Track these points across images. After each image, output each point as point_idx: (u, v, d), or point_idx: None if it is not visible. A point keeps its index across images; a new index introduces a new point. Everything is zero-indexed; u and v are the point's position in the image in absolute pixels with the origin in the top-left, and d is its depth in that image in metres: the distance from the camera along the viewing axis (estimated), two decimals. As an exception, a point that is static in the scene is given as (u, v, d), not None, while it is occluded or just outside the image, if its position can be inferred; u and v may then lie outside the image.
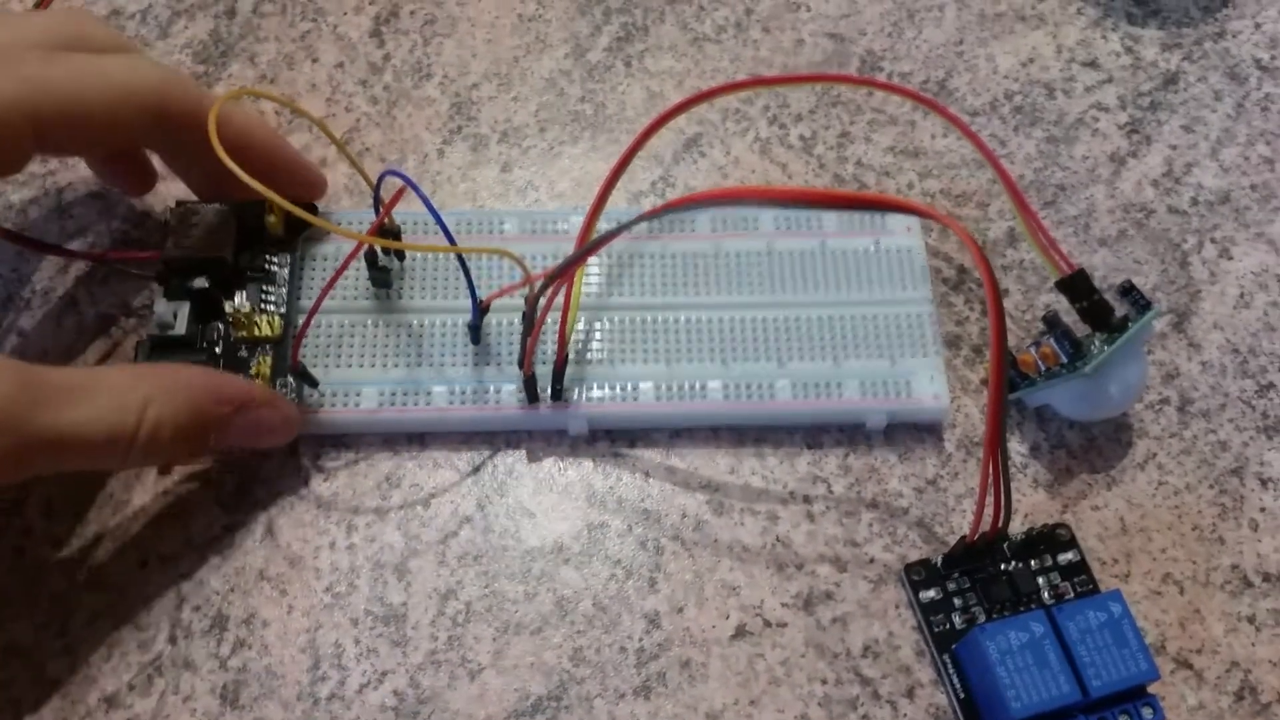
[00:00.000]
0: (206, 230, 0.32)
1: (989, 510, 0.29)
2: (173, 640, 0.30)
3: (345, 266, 0.29)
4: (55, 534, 0.31)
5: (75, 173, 0.37)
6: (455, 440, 0.33)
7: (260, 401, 0.30)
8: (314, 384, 0.31)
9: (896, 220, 0.35)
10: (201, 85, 0.33)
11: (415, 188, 0.28)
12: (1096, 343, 0.32)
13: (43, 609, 0.30)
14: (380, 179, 0.30)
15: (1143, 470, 0.33)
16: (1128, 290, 0.32)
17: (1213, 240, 0.37)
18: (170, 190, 0.36)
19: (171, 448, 0.28)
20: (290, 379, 0.31)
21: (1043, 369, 0.32)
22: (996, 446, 0.27)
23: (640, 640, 0.30)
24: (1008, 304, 0.35)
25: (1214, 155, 0.39)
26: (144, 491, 0.32)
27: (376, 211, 0.31)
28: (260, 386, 0.30)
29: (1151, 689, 0.29)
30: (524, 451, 0.33)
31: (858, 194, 0.25)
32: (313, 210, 0.33)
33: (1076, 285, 0.32)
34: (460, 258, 0.30)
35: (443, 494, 0.32)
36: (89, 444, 0.26)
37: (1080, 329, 0.33)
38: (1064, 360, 0.32)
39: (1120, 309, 0.32)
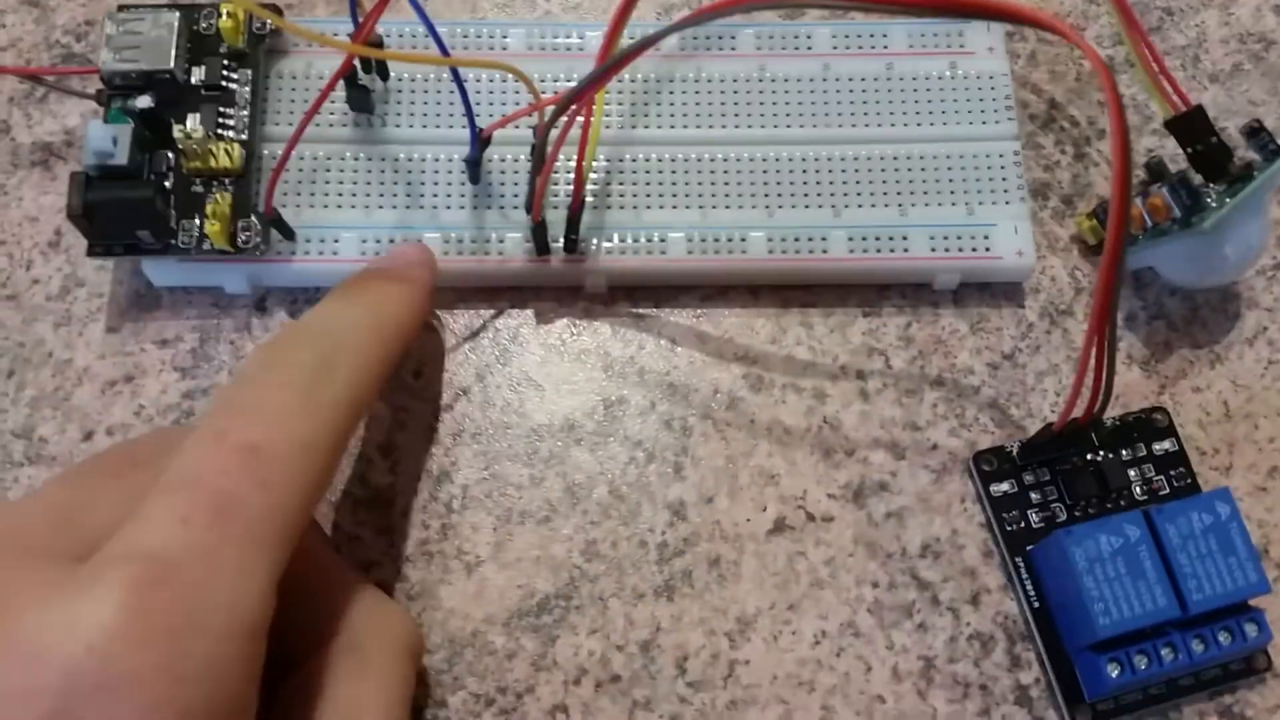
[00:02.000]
0: (150, 40, 0.26)
1: (1084, 394, 0.24)
2: (124, 522, 0.26)
3: (330, 87, 0.24)
4: (-16, 398, 0.27)
5: (5, -27, 0.31)
6: (450, 297, 0.28)
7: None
8: (290, 235, 0.27)
9: (977, 37, 0.29)
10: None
11: (398, -16, 0.23)
12: (1213, 194, 0.27)
13: (-29, 484, 0.26)
14: (356, -25, 0.24)
15: (1251, 346, 0.28)
16: (1255, 131, 0.27)
17: (1345, 76, 0.31)
18: (115, -6, 0.31)
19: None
20: (256, 224, 0.26)
21: (1149, 224, 0.27)
22: (1106, 317, 0.22)
23: (663, 534, 0.26)
24: (1104, 147, 0.30)
25: (1350, -26, 0.33)
26: (88, 351, 0.27)
27: (354, 18, 0.25)
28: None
29: (1255, 601, 0.25)
30: (531, 311, 0.28)
31: None
32: (278, 13, 0.28)
33: (1193, 125, 0.27)
34: (455, 73, 0.24)
35: (435, 361, 0.27)
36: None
37: (1191, 176, 0.28)
38: (1177, 215, 0.27)
39: (1240, 156, 0.27)
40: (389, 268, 0.25)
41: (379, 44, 0.27)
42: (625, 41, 0.27)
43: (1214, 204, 0.26)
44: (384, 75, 0.28)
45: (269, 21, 0.28)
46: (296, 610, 0.21)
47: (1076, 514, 0.26)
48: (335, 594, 0.22)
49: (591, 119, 0.26)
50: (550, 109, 0.24)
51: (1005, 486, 0.26)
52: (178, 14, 0.27)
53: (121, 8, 0.27)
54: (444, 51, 0.24)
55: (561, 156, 0.27)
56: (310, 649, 0.21)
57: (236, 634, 0.17)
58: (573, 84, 0.28)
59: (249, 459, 0.19)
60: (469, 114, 0.25)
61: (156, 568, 0.17)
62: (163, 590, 0.17)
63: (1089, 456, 0.26)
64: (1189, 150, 0.27)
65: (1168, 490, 0.26)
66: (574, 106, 0.24)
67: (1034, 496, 0.26)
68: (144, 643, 0.16)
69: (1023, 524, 0.26)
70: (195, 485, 0.18)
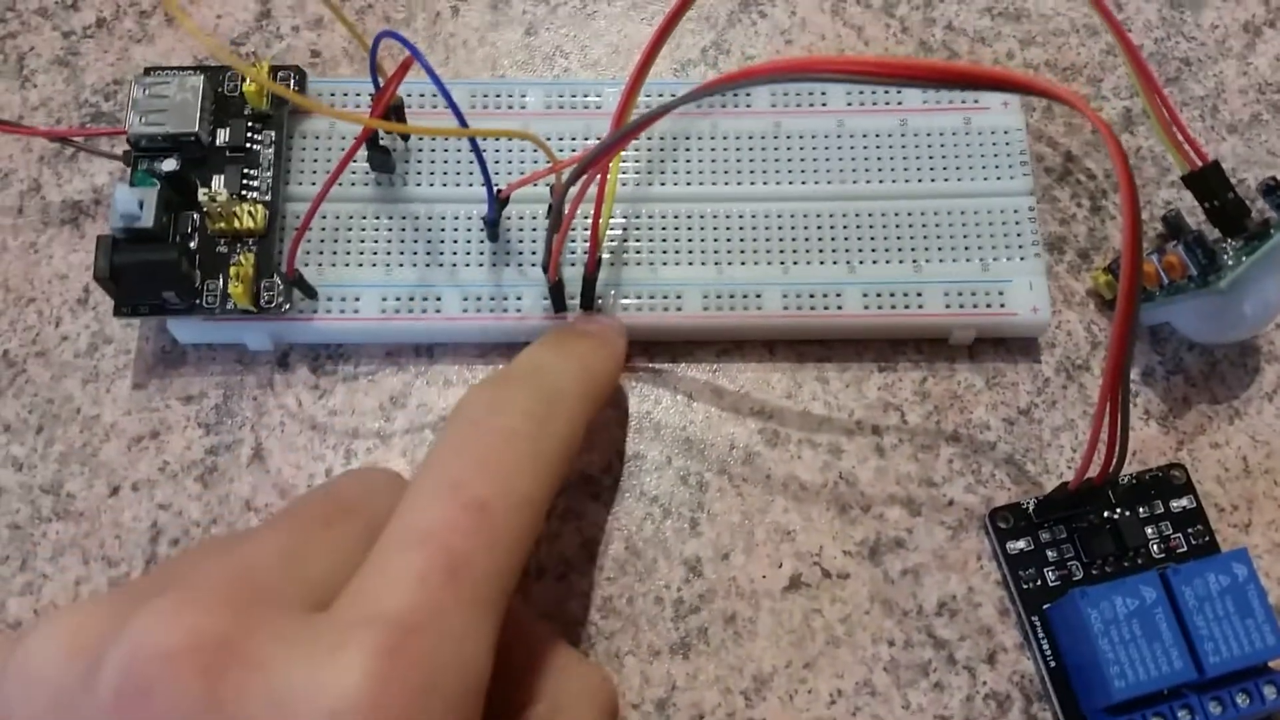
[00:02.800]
0: (176, 103, 0.27)
1: (1099, 452, 0.24)
2: (149, 577, 0.26)
3: (346, 161, 0.24)
4: (13, 454, 0.27)
5: (38, 35, 0.32)
6: (470, 353, 0.28)
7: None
8: (312, 294, 0.27)
9: (992, 93, 0.29)
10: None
11: (417, 54, 0.23)
12: (1230, 251, 0.27)
13: (0, 540, 0.26)
14: (376, 42, 0.25)
15: (1271, 401, 0.28)
16: (1271, 189, 0.27)
17: (1365, 125, 0.31)
18: (144, 55, 0.31)
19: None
20: (279, 284, 0.27)
21: (1165, 281, 0.27)
22: (1119, 378, 0.22)
23: (679, 590, 0.26)
24: (1119, 201, 0.30)
25: (1370, 22, 0.32)
26: (115, 407, 0.28)
27: (374, 83, 0.26)
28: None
29: (1275, 663, 0.24)
30: (549, 367, 0.28)
31: (952, 66, 0.20)
32: (302, 78, 0.28)
33: (1208, 181, 0.27)
34: (473, 142, 0.25)
35: (454, 416, 0.28)
36: None
37: (1208, 233, 0.28)
38: (1193, 272, 0.27)
39: (1258, 211, 0.27)
40: (590, 329, 0.26)
41: (400, 107, 0.27)
42: (641, 101, 0.28)
43: (1230, 261, 0.26)
44: (405, 136, 0.28)
45: (291, 85, 0.28)
46: (496, 668, 0.21)
47: (1094, 572, 0.26)
48: (533, 652, 0.22)
49: (608, 179, 0.26)
50: (568, 170, 0.25)
51: (1021, 544, 0.26)
52: (202, 77, 0.27)
53: (148, 71, 0.28)
54: (461, 122, 0.24)
55: (579, 214, 0.27)
56: (509, 710, 0.21)
57: (467, 696, 0.17)
58: (591, 141, 0.29)
59: (479, 518, 0.19)
60: (486, 179, 0.25)
61: (399, 633, 0.17)
62: (404, 655, 0.16)
63: (1106, 514, 0.26)
64: (1206, 205, 0.27)
65: (1186, 548, 0.26)
66: (590, 169, 0.25)
67: (1050, 554, 0.26)
68: (386, 709, 0.16)
69: (1039, 582, 0.26)
70: (430, 542, 0.18)
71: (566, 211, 0.25)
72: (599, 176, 0.26)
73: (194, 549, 0.23)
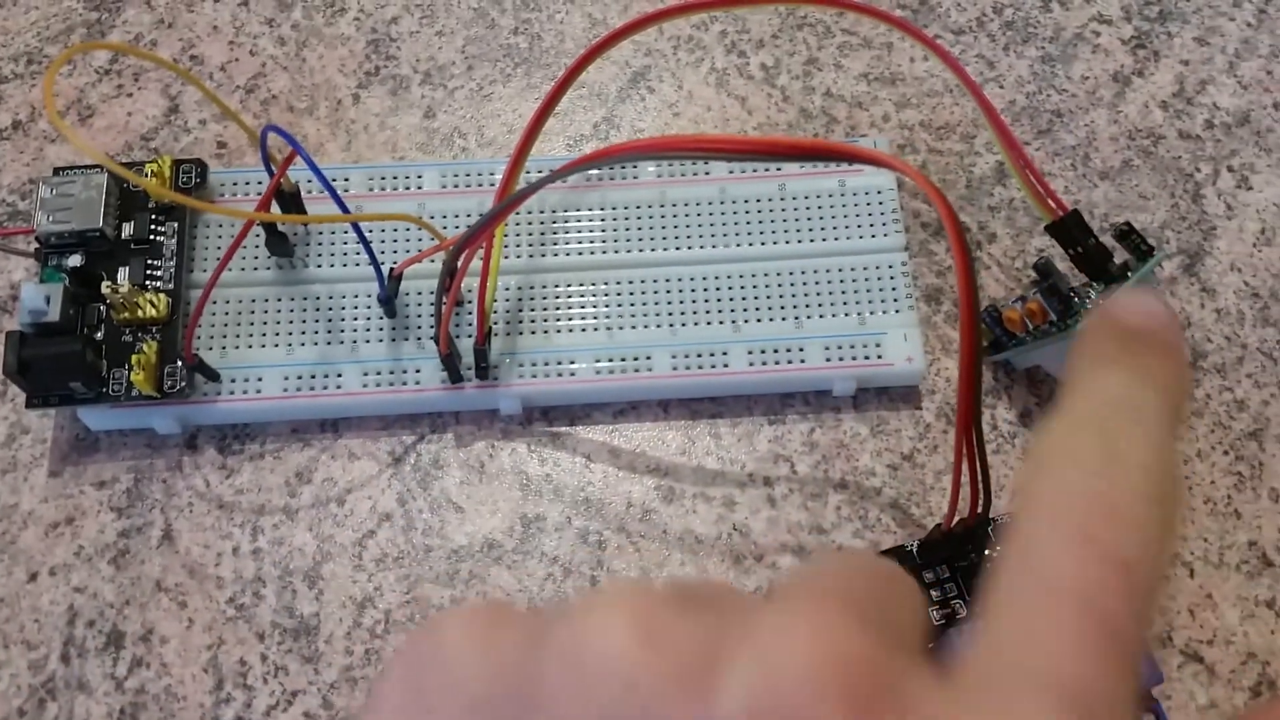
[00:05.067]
0: (81, 201, 0.28)
1: (966, 493, 0.25)
2: (65, 659, 0.27)
3: (231, 253, 0.26)
4: (-70, 546, 0.28)
5: (-41, 135, 0.33)
6: (373, 426, 0.29)
7: None
8: (214, 377, 0.28)
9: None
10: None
11: (298, 148, 0.25)
12: (1092, 295, 0.28)
13: (-83, 631, 0.27)
14: (264, 136, 0.26)
15: (1148, 434, 0.29)
16: (1126, 234, 0.28)
17: (1230, 168, 0.33)
18: (58, 154, 0.33)
19: None
20: (182, 369, 0.28)
21: (1030, 327, 0.28)
22: (969, 426, 0.23)
23: (579, 647, 0.27)
24: (996, 250, 0.31)
25: (1231, 71, 0.34)
26: (32, 495, 0.29)
27: (269, 172, 0.27)
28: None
29: (1156, 690, 0.25)
30: (451, 435, 0.29)
31: (800, 142, 0.21)
32: (203, 170, 0.30)
33: (1069, 229, 0.28)
34: (358, 228, 0.26)
35: (359, 488, 0.29)
36: None
37: (1077, 277, 0.29)
38: (1053, 318, 0.28)
39: (1120, 254, 0.29)
40: (1153, 330, 0.18)
41: (296, 194, 0.29)
42: (536, 174, 0.29)
43: (1091, 305, 0.28)
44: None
45: (194, 177, 0.29)
46: None
47: (977, 610, 0.27)
48: None
49: (492, 252, 0.27)
50: (454, 246, 0.26)
51: (907, 586, 0.27)
52: (107, 175, 0.29)
53: (56, 171, 0.29)
54: (342, 208, 0.25)
55: (470, 287, 0.28)
56: None
57: None
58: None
59: (1126, 579, 0.14)
60: (374, 262, 0.27)
61: (1078, 707, 0.13)
62: None
63: (986, 553, 0.27)
64: (1070, 252, 0.29)
65: (1066, 581, 0.27)
66: (473, 243, 0.26)
67: (935, 594, 0.27)
68: None
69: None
70: (1082, 602, 0.14)
71: (453, 285, 0.27)
72: (484, 250, 0.27)
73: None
